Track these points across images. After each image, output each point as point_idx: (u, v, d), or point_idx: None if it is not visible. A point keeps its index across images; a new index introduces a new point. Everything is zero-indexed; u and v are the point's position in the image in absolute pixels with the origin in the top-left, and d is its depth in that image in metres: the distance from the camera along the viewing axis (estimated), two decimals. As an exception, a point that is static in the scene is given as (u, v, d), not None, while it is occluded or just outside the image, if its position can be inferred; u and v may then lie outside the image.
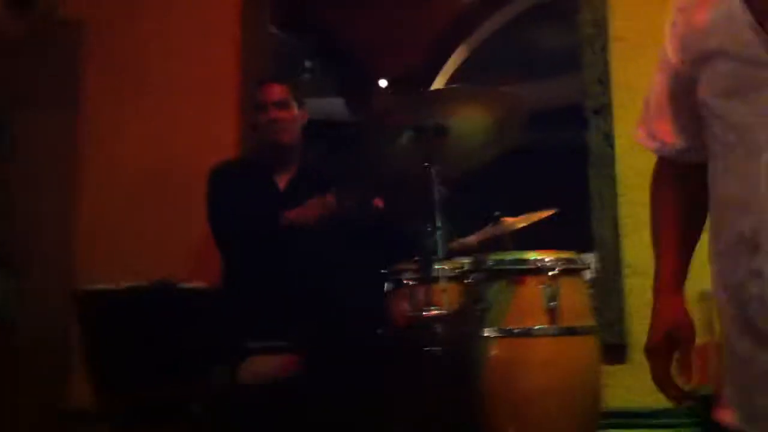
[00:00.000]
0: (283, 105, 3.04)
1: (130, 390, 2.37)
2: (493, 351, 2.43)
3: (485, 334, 2.43)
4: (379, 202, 2.88)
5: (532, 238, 3.41)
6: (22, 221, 3.26)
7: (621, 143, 3.25)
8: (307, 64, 5.21)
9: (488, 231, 3.35)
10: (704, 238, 2.90)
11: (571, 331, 2.42)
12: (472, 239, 3.34)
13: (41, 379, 3.13)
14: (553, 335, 2.40)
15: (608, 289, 3.12)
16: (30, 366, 3.13)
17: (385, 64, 5.14)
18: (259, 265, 2.83)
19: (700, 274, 2.91)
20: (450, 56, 4.96)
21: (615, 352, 3.03)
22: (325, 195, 2.81)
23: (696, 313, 2.83)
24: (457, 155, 2.69)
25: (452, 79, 5.01)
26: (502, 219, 3.33)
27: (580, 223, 3.30)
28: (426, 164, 2.56)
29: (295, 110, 3.07)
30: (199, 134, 3.58)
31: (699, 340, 2.81)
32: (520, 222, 3.33)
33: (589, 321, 2.48)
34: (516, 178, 3.52)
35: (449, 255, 2.69)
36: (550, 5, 4.01)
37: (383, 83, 5.17)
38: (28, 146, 3.32)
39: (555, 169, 3.43)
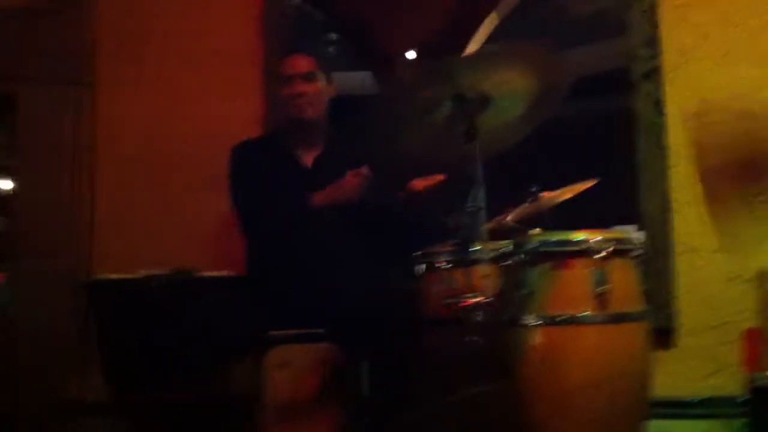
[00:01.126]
0: (309, 78, 2.87)
1: (145, 385, 2.24)
2: (536, 340, 2.26)
3: (527, 322, 2.27)
4: (416, 185, 2.69)
5: (575, 215, 3.22)
6: (30, 207, 3.13)
7: (672, 111, 3.03)
8: (331, 36, 5.02)
9: (526, 208, 3.18)
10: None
11: (620, 318, 2.24)
12: (509, 218, 3.16)
13: (49, 370, 3.02)
14: (601, 323, 2.22)
15: (657, 268, 2.92)
16: (37, 356, 3.02)
17: (412, 35, 4.95)
18: (285, 250, 2.67)
19: (752, 251, 2.77)
20: (479, 24, 4.75)
21: (663, 336, 2.84)
22: (356, 170, 2.63)
23: (753, 294, 2.68)
24: (499, 127, 2.51)
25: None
26: (541, 194, 3.15)
27: (627, 198, 3.09)
28: (466, 139, 2.38)
29: (322, 84, 2.90)
30: (221, 111, 3.43)
31: (755, 324, 2.67)
32: (559, 196, 3.14)
33: (640, 306, 2.29)
34: (558, 149, 3.32)
35: (491, 236, 2.52)
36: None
37: (411, 54, 4.98)
38: (37, 124, 3.18)
39: (601, 139, 3.22)
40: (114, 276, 2.40)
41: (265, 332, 2.50)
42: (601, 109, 3.41)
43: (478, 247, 2.36)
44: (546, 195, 3.16)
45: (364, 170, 2.59)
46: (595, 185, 3.09)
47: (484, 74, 2.39)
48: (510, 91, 2.42)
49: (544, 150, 3.22)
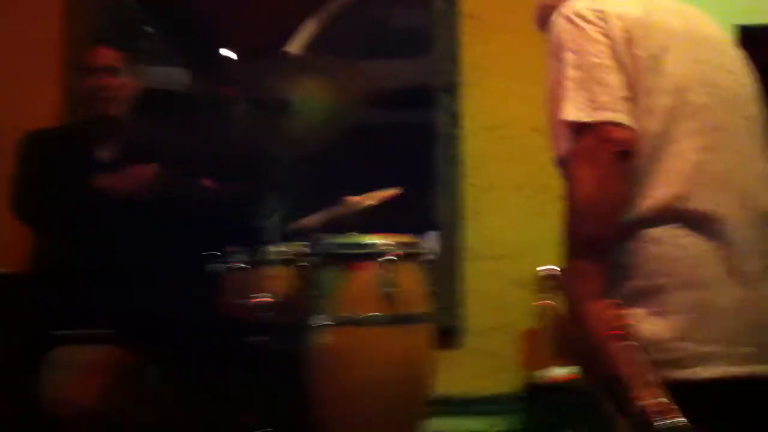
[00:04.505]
0: (112, 71, 2.78)
1: None
2: (325, 340, 2.32)
3: (317, 322, 2.32)
4: (209, 183, 2.67)
5: (375, 220, 3.32)
6: None
7: (468, 124, 3.19)
8: (148, 29, 4.90)
9: (331, 211, 3.25)
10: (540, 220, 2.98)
11: (405, 319, 2.35)
12: (313, 220, 3.22)
13: None
14: (387, 323, 2.32)
15: (446, 272, 3.07)
16: None
17: (231, 34, 4.92)
18: (72, 245, 2.58)
19: (535, 258, 2.96)
20: (298, 29, 4.80)
21: (450, 337, 2.99)
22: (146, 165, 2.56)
23: (527, 297, 2.86)
24: (299, 131, 2.56)
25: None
26: (346, 198, 3.23)
27: (425, 205, 3.23)
28: (265, 140, 2.41)
29: (126, 79, 2.82)
30: (15, 98, 3.25)
31: (534, 325, 2.85)
32: (363, 202, 3.23)
33: (425, 308, 2.41)
34: (363, 157, 3.43)
35: (286, 237, 2.56)
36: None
37: (230, 54, 4.95)
38: None
39: (403, 149, 3.37)
40: None
41: (50, 332, 2.41)
42: (408, 120, 3.56)
43: (273, 248, 2.39)
44: (351, 200, 3.26)
45: (155, 168, 2.53)
46: (397, 193, 3.22)
47: (285, 80, 2.44)
48: (311, 98, 2.48)
49: (351, 157, 3.31)
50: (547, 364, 2.65)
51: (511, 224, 3.08)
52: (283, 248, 2.46)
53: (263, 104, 2.45)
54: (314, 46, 4.24)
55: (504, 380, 2.92)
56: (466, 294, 3.07)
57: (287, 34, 4.88)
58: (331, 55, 2.56)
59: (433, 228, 3.15)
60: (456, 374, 2.91)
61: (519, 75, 3.19)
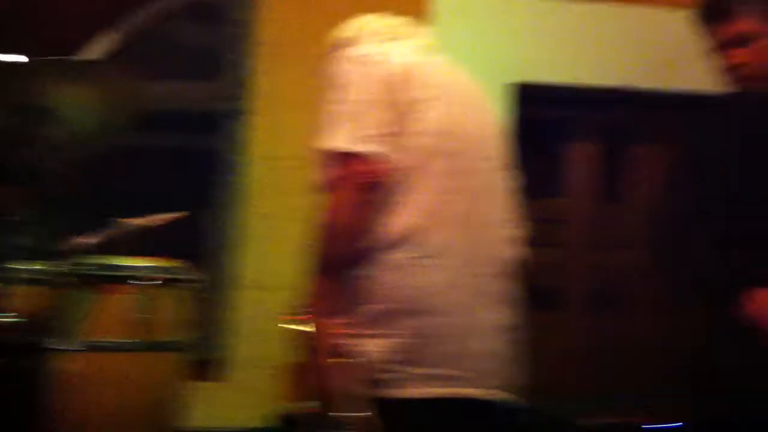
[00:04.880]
0: None
1: None
2: (70, 364, 2.20)
3: (62, 346, 2.20)
4: None
5: (146, 242, 3.23)
6: None
7: (251, 152, 3.18)
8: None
9: (106, 231, 3.13)
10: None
11: (156, 347, 2.28)
12: (86, 239, 3.09)
13: None
14: (136, 350, 2.24)
15: (215, 302, 3.02)
16: None
17: (28, 39, 4.67)
18: None
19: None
20: (95, 41, 4.63)
21: (212, 367, 2.93)
22: None
23: (297, 330, 2.85)
24: (64, 142, 2.45)
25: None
26: (120, 220, 3.12)
27: (199, 231, 3.17)
28: (26, 149, 2.29)
29: None
30: None
31: (298, 358, 2.85)
32: (140, 223, 3.14)
33: (177, 336, 2.35)
34: (142, 178, 3.35)
35: (42, 255, 2.42)
36: (205, 3, 3.91)
37: (21, 59, 4.69)
38: None
39: (184, 173, 3.32)
40: None
41: None
42: (190, 144, 3.52)
43: (22, 266, 2.26)
44: (127, 221, 3.15)
45: None
46: (177, 217, 3.15)
47: (54, 85, 2.35)
48: (78, 107, 2.39)
49: (128, 177, 3.22)
50: (307, 396, 2.65)
51: (286, 255, 3.05)
52: (34, 266, 2.32)
53: (31, 110, 2.33)
54: (106, 57, 4.09)
55: (264, 413, 2.88)
56: (234, 324, 3.03)
57: (80, 42, 4.69)
58: (120, 69, 2.47)
59: (205, 255, 3.09)
60: (215, 406, 2.85)
61: (307, 107, 3.20)
